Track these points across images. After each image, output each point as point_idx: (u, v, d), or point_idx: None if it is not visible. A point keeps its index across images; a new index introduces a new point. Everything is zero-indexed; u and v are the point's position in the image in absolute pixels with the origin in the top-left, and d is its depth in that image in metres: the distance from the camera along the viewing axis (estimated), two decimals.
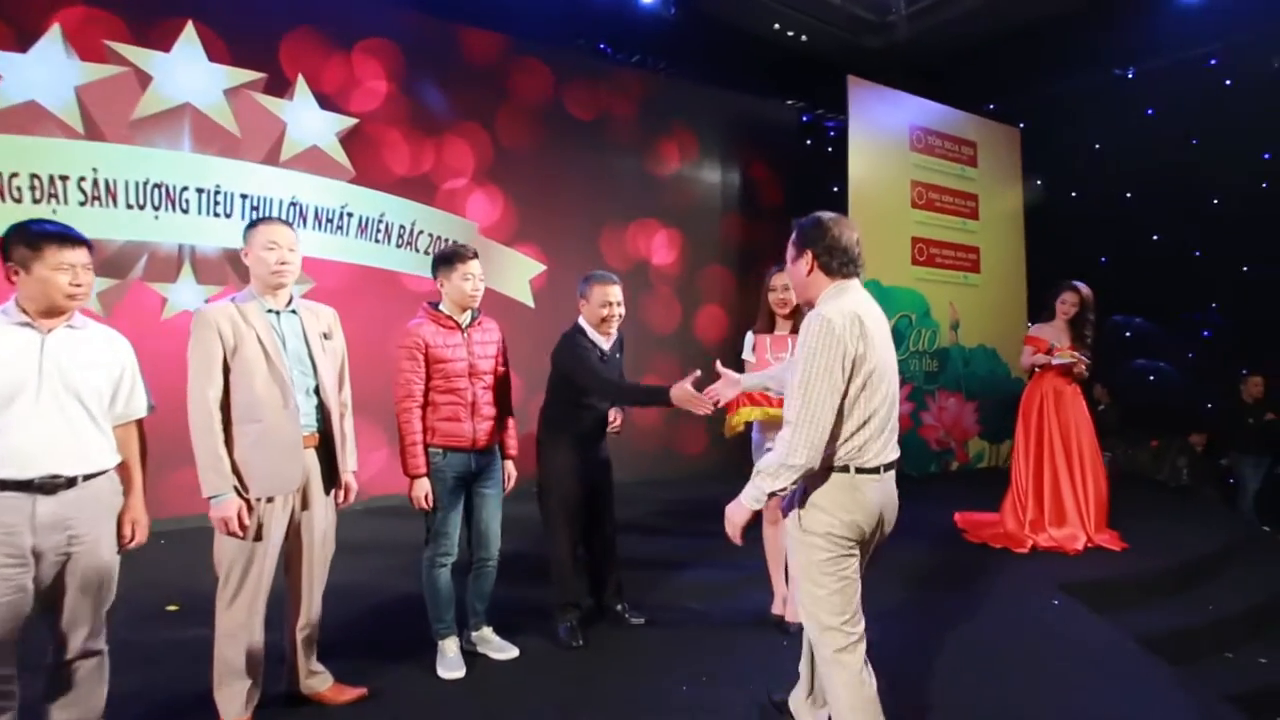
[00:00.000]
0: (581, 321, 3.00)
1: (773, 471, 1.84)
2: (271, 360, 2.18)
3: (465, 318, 2.70)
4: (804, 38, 7.11)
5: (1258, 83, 6.33)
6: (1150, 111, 7.09)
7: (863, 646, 1.92)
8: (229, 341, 2.15)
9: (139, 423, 2.08)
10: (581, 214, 6.17)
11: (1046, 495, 4.24)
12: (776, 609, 3.18)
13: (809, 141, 8.09)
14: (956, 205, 6.83)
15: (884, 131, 6.39)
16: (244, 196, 4.76)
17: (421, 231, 5.45)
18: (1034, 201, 7.63)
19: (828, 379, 1.79)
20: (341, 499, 2.41)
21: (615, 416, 3.13)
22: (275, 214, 4.85)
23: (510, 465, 2.88)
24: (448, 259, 2.67)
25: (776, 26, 6.88)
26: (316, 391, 2.30)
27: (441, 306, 2.70)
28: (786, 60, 7.31)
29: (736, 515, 1.95)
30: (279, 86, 4.90)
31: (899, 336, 6.22)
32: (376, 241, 5.27)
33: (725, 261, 6.95)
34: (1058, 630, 3.13)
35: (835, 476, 1.88)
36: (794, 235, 2.02)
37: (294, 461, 2.22)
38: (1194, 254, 6.74)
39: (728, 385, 2.42)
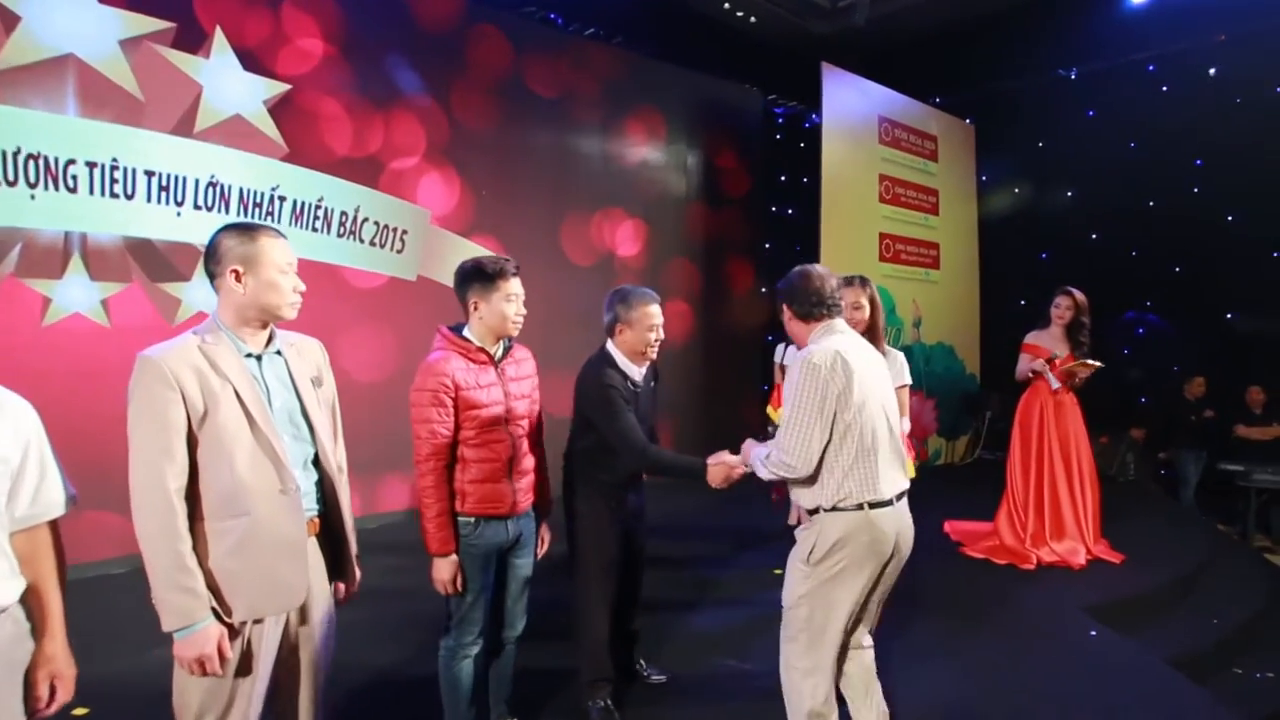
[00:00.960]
0: (610, 348, 2.47)
1: (773, 464, 2.05)
2: (258, 426, 1.56)
3: (498, 349, 2.18)
4: (753, 19, 6.81)
5: (1192, 90, 6.60)
6: (1091, 113, 7.31)
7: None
8: (196, 404, 1.51)
9: (53, 525, 1.43)
10: (543, 202, 5.61)
11: (1046, 508, 4.17)
12: None
13: (779, 136, 7.85)
14: (919, 200, 6.77)
15: (855, 122, 6.20)
16: (149, 174, 3.89)
17: (366, 219, 4.72)
18: (984, 198, 7.74)
19: (815, 412, 1.98)
20: (343, 594, 1.83)
21: None
22: (191, 195, 4.02)
23: (544, 526, 2.39)
24: (486, 275, 2.11)
25: (726, 6, 6.53)
26: (316, 462, 1.70)
27: (468, 333, 2.15)
28: (745, 42, 6.98)
29: (749, 460, 2.20)
30: (192, 40, 4.03)
31: None
32: (314, 230, 4.51)
33: (690, 254, 6.58)
34: (1102, 661, 3.02)
35: (851, 517, 1.98)
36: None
37: (296, 565, 1.62)
38: (1130, 253, 7.02)
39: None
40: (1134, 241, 6.97)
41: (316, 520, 1.70)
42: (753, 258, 7.21)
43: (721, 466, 2.29)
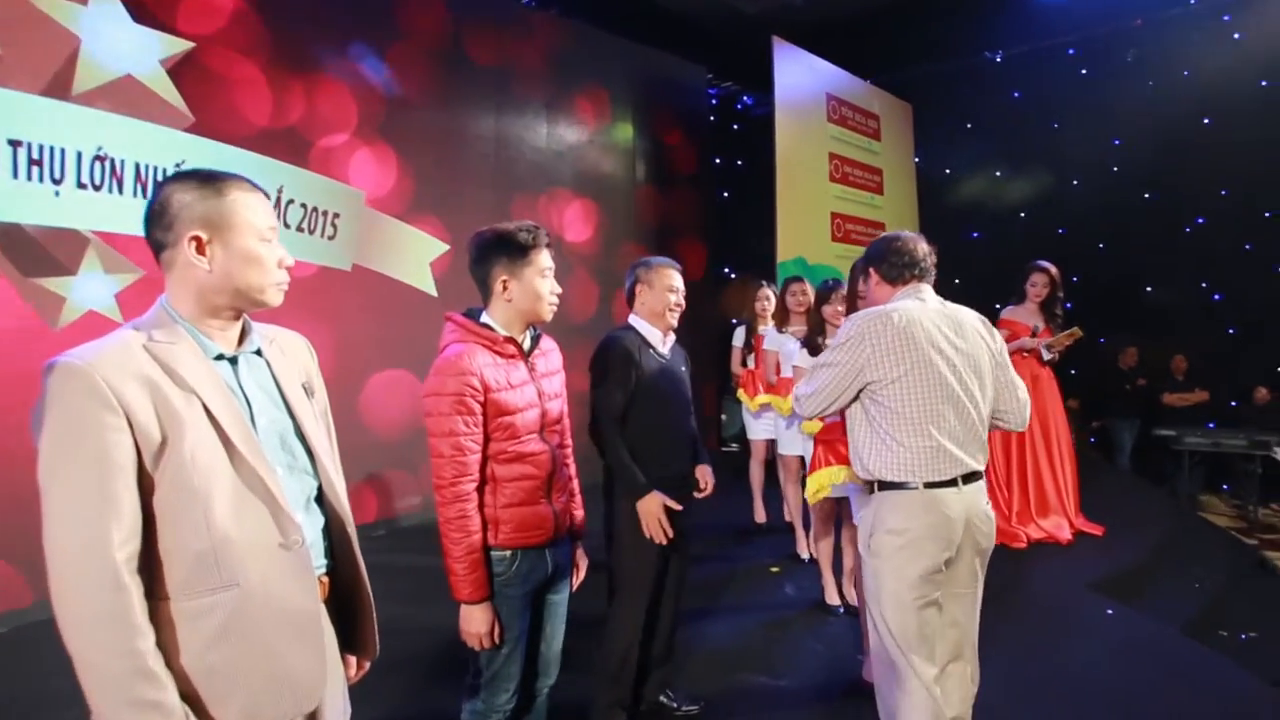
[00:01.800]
0: (632, 318, 2.32)
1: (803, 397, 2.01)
2: (241, 456, 1.11)
3: (525, 338, 1.79)
4: None
5: (1111, 73, 6.87)
6: (1017, 94, 7.51)
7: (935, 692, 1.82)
8: (149, 430, 1.04)
9: None
10: (488, 181, 5.12)
11: (1030, 485, 4.18)
12: (831, 598, 3.28)
13: (713, 118, 7.60)
14: (865, 180, 6.73)
15: (805, 98, 6.04)
16: (13, 144, 3.17)
17: (291, 201, 4.11)
18: (920, 178, 7.83)
19: (851, 365, 1.89)
20: (356, 671, 1.40)
21: (705, 479, 2.39)
22: (73, 171, 3.32)
23: (579, 549, 2.01)
24: (517, 246, 1.71)
25: None
26: (320, 500, 1.26)
27: (488, 319, 1.74)
28: (679, 20, 6.70)
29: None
30: None
31: None
32: None
33: (641, 238, 6.24)
34: (1126, 640, 2.98)
35: (904, 495, 1.84)
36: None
37: (308, 648, 1.18)
38: (1058, 231, 7.28)
39: None
40: (1060, 220, 7.22)
41: (326, 580, 1.27)
42: (705, 240, 6.98)
43: (655, 505, 2.14)
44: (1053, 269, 4.24)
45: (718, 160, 7.81)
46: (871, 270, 2.08)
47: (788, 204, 5.68)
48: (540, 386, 1.76)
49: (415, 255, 4.72)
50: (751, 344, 4.30)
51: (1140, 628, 3.09)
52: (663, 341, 2.30)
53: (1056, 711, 2.48)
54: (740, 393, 4.28)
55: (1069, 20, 6.98)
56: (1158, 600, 3.48)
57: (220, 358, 1.16)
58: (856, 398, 1.93)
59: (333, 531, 1.28)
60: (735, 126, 8.50)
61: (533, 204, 5.42)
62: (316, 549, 1.24)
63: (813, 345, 3.09)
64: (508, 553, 1.71)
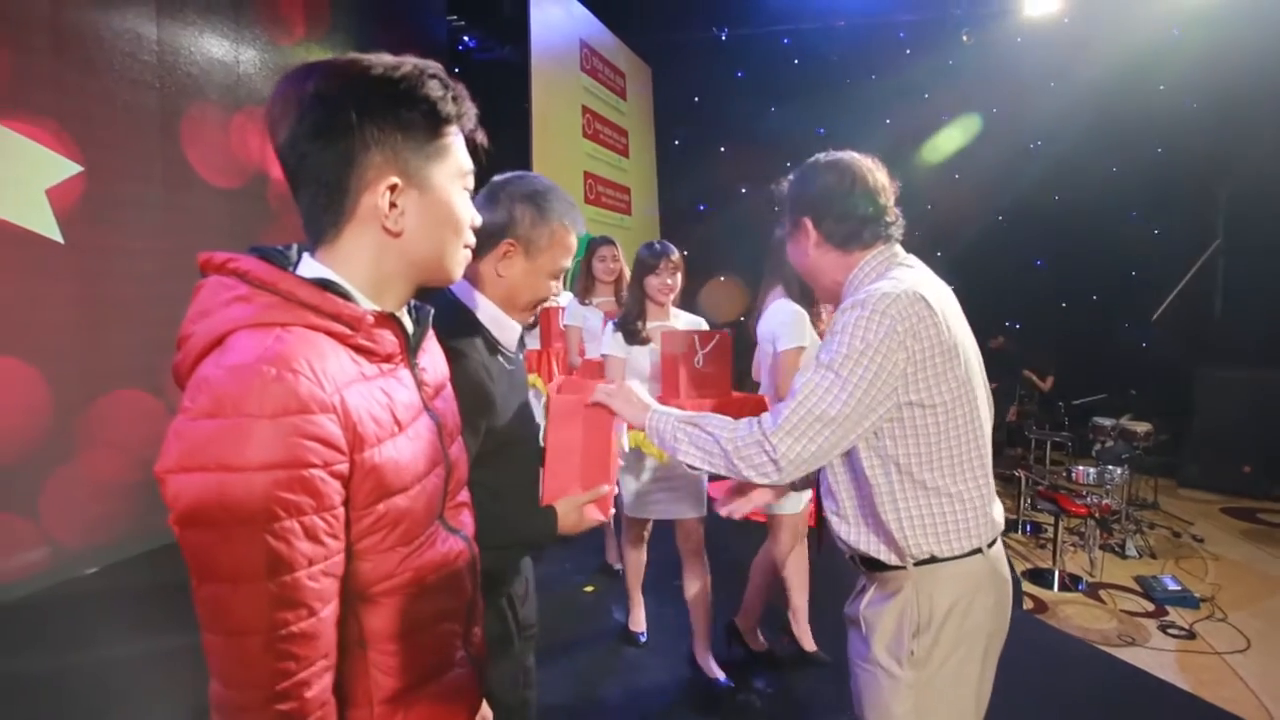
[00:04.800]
0: (480, 300, 1.26)
1: (740, 447, 1.20)
2: None
3: (405, 315, 0.87)
4: None
5: (818, 65, 7.52)
6: (740, 74, 7.85)
7: None
8: None
9: None
10: (145, 80, 3.56)
11: None
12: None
13: (457, 69, 6.50)
14: (614, 140, 6.40)
15: (560, 42, 5.44)
16: None
17: None
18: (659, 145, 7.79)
19: (863, 384, 1.17)
20: None
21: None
22: None
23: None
24: (417, 108, 0.76)
25: None
26: None
27: (332, 275, 0.77)
28: None
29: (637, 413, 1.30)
30: None
31: None
32: None
33: None
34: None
35: (964, 566, 1.23)
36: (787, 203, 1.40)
37: None
38: (773, 208, 7.82)
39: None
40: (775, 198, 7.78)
41: None
42: None
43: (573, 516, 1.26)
44: None
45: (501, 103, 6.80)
46: (810, 226, 1.32)
47: (543, 157, 5.06)
48: (439, 416, 0.89)
49: (21, 179, 3.06)
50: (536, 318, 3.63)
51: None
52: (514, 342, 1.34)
53: None
54: (533, 377, 3.60)
55: (786, 13, 7.44)
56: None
57: None
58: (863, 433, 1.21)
59: None
60: (457, 70, 7.54)
61: (220, 123, 3.95)
62: None
63: (629, 330, 2.50)
64: None
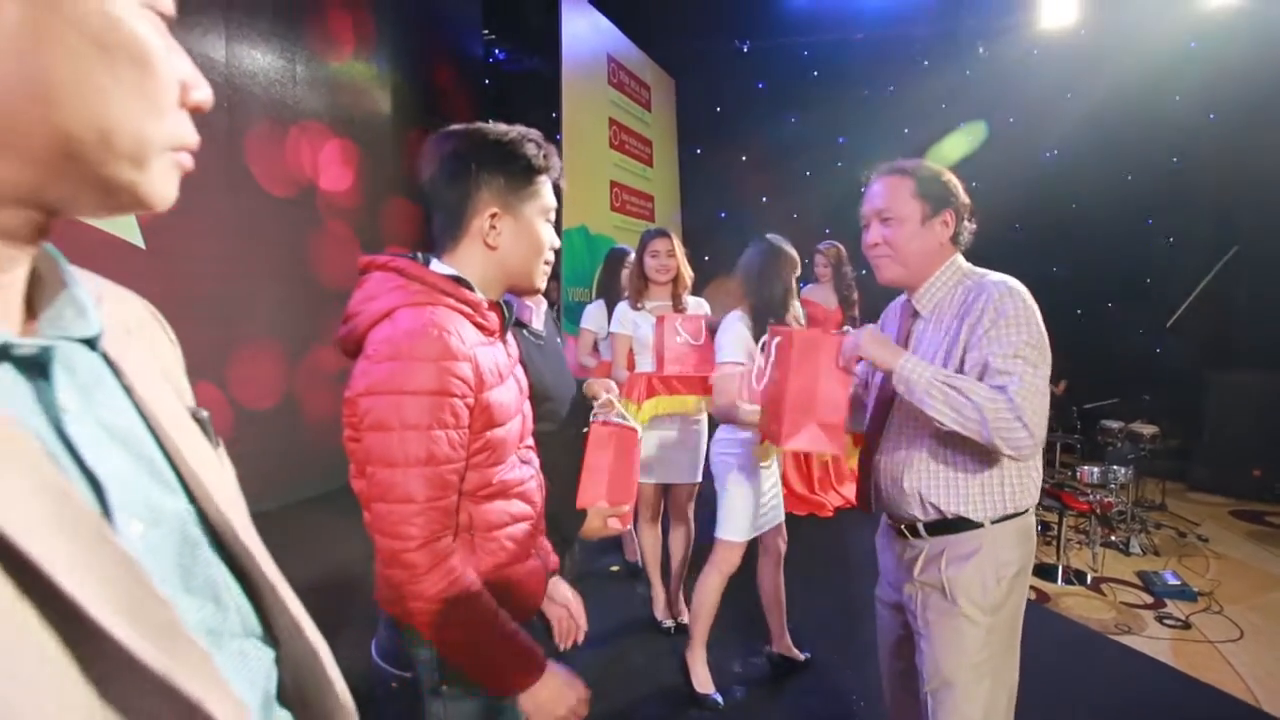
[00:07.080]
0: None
1: (1001, 424, 1.34)
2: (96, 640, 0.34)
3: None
4: None
5: (838, 77, 7.72)
6: (760, 85, 8.08)
7: None
8: None
9: None
10: (216, 99, 3.87)
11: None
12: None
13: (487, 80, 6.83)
14: (639, 150, 6.65)
15: (589, 58, 5.71)
16: None
17: None
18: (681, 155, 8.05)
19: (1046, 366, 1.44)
20: None
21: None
22: None
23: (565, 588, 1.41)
24: (520, 162, 1.07)
25: None
26: (248, 587, 0.49)
27: (456, 272, 1.08)
28: None
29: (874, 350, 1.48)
30: None
31: None
32: None
33: (413, 193, 5.36)
34: None
35: (1023, 522, 1.52)
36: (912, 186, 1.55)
37: None
38: (793, 216, 8.05)
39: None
40: (795, 207, 8.00)
41: None
42: None
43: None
44: (831, 248, 4.55)
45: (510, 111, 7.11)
46: (951, 220, 1.54)
47: (572, 167, 5.32)
48: (518, 379, 1.21)
49: None
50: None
51: None
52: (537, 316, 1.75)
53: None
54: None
55: (805, 25, 7.67)
56: None
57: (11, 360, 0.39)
58: None
59: (275, 632, 0.51)
60: (487, 81, 7.85)
61: (280, 138, 4.27)
62: (256, 668, 0.49)
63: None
64: None
